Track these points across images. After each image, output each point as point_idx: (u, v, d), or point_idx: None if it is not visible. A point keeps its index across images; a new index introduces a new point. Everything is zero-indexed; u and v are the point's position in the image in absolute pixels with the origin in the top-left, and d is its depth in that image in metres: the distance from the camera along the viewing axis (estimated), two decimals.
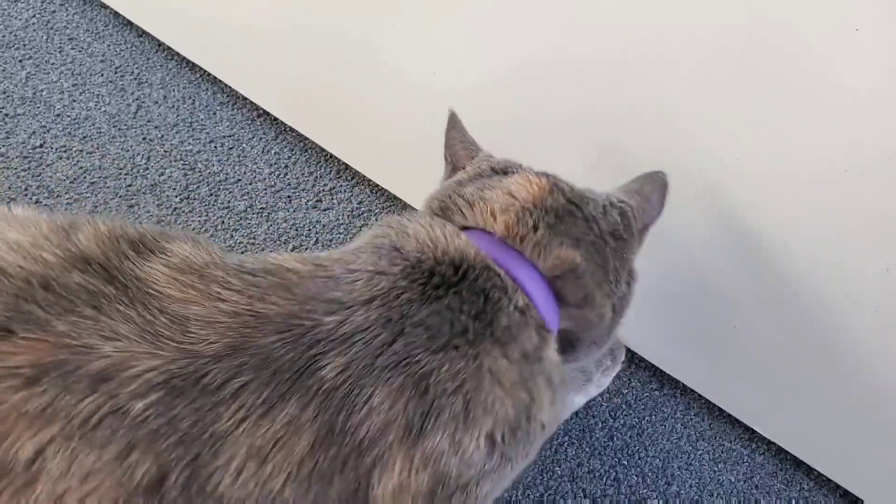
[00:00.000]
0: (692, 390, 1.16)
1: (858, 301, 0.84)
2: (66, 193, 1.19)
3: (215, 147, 1.32)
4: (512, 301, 0.60)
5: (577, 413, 1.14)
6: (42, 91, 1.33)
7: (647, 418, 1.16)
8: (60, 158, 1.24)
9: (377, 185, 1.31)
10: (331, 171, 1.33)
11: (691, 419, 1.17)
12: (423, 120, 0.98)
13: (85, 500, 0.44)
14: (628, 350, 1.19)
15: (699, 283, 0.99)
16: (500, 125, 0.94)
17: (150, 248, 0.55)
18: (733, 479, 1.11)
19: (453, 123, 0.81)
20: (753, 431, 1.14)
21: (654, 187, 0.78)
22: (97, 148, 1.27)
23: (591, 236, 0.68)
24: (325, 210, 1.27)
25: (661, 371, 1.17)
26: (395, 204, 1.30)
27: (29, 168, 1.21)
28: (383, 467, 0.51)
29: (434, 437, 0.52)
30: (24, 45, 1.40)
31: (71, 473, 0.44)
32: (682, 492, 1.09)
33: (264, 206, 1.25)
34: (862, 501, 1.07)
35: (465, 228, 0.66)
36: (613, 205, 0.72)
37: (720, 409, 1.16)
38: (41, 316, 0.47)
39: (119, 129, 1.30)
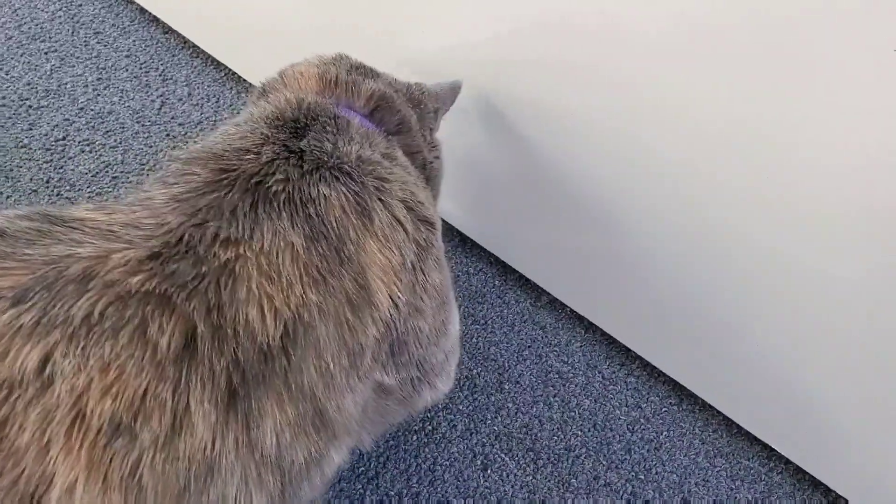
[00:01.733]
0: (711, 406, 1.16)
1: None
2: (87, 187, 1.19)
3: None
4: (352, 122, 0.71)
5: (594, 425, 1.13)
6: (66, 84, 1.33)
7: (664, 433, 1.15)
8: (83, 152, 1.24)
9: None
10: None
11: (709, 435, 1.16)
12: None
13: (110, 388, 0.45)
14: (647, 363, 1.18)
15: (715, 304, 0.99)
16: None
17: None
18: (750, 498, 1.11)
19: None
20: (772, 450, 1.13)
21: (447, 85, 0.92)
22: (120, 143, 1.26)
23: (390, 83, 0.82)
24: None
25: (680, 386, 1.17)
26: None
27: (51, 160, 1.21)
28: (362, 250, 0.60)
29: (379, 218, 0.62)
30: (49, 37, 1.39)
31: (89, 367, 0.45)
32: None
33: None
34: None
35: None
36: (395, 80, 0.85)
37: (738, 426, 1.15)
38: (6, 250, 0.49)
39: (142, 125, 1.30)
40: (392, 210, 0.64)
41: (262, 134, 0.64)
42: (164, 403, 0.46)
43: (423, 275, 0.67)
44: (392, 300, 0.61)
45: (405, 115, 0.80)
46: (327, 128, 0.67)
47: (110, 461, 0.44)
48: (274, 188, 0.59)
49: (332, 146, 0.64)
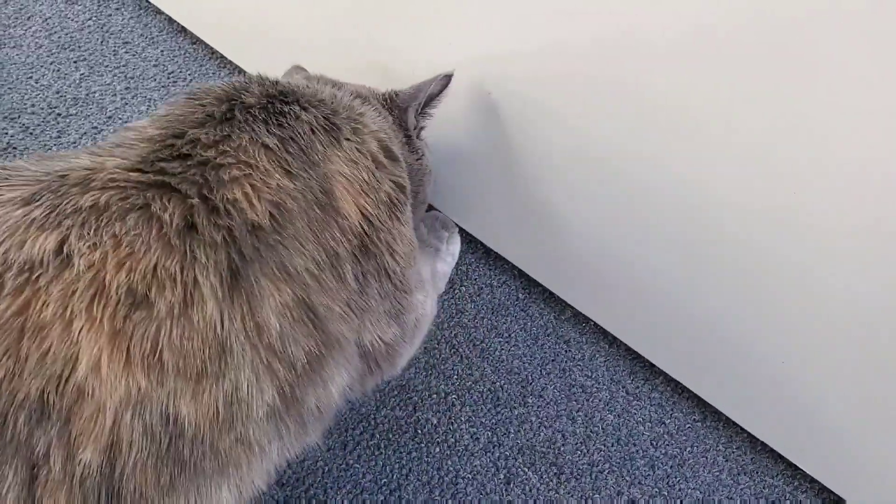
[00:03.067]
0: (735, 423, 1.15)
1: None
2: None
3: None
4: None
5: (617, 440, 1.13)
6: (95, 93, 1.34)
7: (688, 449, 1.15)
8: None
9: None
10: None
11: (733, 452, 1.16)
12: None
13: (126, 261, 0.48)
14: (671, 379, 1.18)
15: (740, 322, 0.98)
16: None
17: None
18: (747, 499, 1.11)
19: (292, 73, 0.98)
20: (796, 468, 1.12)
21: (430, 80, 0.92)
22: None
23: (359, 93, 0.85)
24: None
25: (704, 402, 1.16)
26: None
27: None
28: (328, 160, 0.64)
29: (348, 142, 0.67)
30: (79, 46, 1.41)
31: (103, 243, 0.48)
32: None
33: None
34: None
35: None
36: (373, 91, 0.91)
37: (763, 444, 1.14)
38: (10, 173, 0.53)
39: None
40: (363, 139, 0.69)
41: (213, 86, 0.68)
42: (175, 276, 0.50)
43: (395, 217, 0.71)
44: (361, 213, 0.65)
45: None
46: (309, 79, 0.75)
47: (131, 335, 0.47)
48: (247, 101, 0.64)
49: (289, 89, 0.69)
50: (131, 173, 0.54)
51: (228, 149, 0.58)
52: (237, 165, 0.57)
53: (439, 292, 1.04)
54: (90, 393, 0.46)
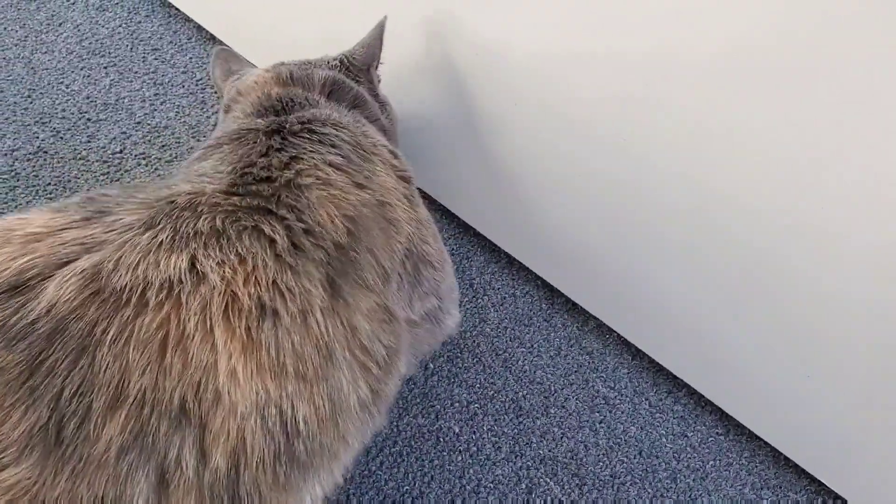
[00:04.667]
0: (758, 437, 1.15)
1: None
2: None
3: None
4: (320, 101, 0.85)
5: (640, 452, 1.13)
6: (124, 98, 1.36)
7: (711, 462, 1.14)
8: (139, 165, 1.26)
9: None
10: None
11: (756, 466, 1.15)
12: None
13: (251, 276, 0.54)
14: (695, 391, 1.18)
15: (767, 337, 0.98)
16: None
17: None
18: (753, 498, 1.10)
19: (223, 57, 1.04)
20: (820, 483, 1.12)
21: (371, 33, 0.99)
22: (175, 157, 1.29)
23: (329, 65, 0.95)
24: None
25: (727, 415, 1.16)
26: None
27: (108, 172, 1.24)
28: (374, 174, 0.70)
29: (376, 155, 0.74)
30: (109, 52, 1.43)
31: (231, 261, 0.54)
32: None
33: None
34: None
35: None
36: (332, 61, 0.97)
37: (786, 458, 1.14)
38: (118, 199, 0.59)
39: (198, 140, 1.32)
40: (381, 153, 0.74)
41: (252, 124, 0.74)
42: (292, 289, 0.54)
43: (417, 206, 0.76)
44: (407, 220, 0.70)
45: (357, 90, 0.91)
46: (304, 105, 0.78)
47: (262, 342, 0.51)
48: (293, 129, 0.69)
49: (319, 113, 0.75)
50: (231, 197, 0.59)
51: (306, 167, 0.64)
52: (317, 184, 0.63)
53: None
54: (226, 398, 0.49)
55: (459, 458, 1.08)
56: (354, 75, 0.96)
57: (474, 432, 1.10)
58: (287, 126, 0.70)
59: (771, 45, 0.71)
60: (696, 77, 0.78)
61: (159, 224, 0.54)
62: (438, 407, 1.12)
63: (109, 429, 0.46)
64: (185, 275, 0.51)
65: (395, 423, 1.09)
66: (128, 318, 0.48)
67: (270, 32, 1.33)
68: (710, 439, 1.17)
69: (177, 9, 1.51)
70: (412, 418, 1.10)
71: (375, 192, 0.67)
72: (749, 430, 1.15)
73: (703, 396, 1.17)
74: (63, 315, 0.47)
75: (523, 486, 1.07)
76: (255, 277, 0.53)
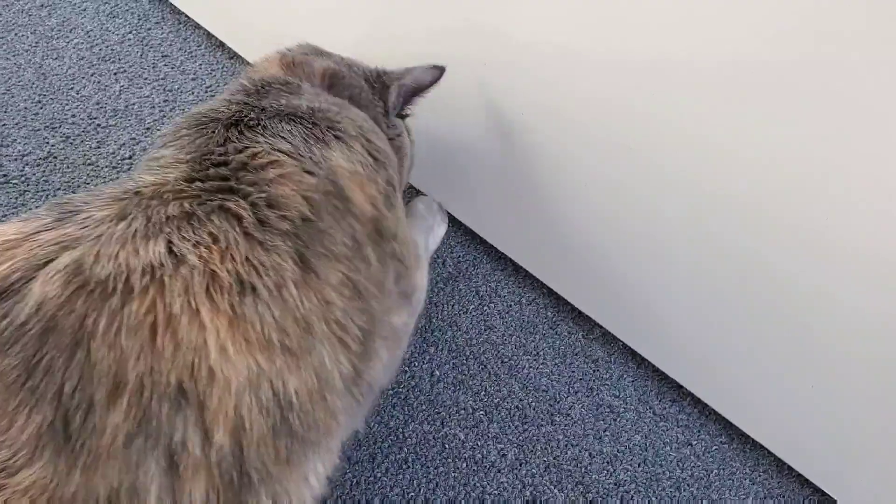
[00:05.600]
0: (762, 446, 1.15)
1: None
2: None
3: None
4: (303, 86, 0.84)
5: (644, 461, 1.13)
6: (134, 104, 1.37)
7: (715, 471, 1.15)
8: None
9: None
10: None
11: (760, 476, 1.16)
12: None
13: (226, 254, 0.56)
14: (699, 400, 1.18)
15: (773, 346, 0.99)
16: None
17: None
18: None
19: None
20: (823, 493, 1.12)
21: (422, 69, 0.98)
22: None
23: (347, 63, 0.94)
24: None
25: (732, 424, 1.16)
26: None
27: (117, 178, 1.25)
28: (328, 158, 0.70)
29: (338, 146, 0.73)
30: (119, 59, 1.44)
31: (205, 241, 0.56)
32: None
33: None
34: None
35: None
36: (364, 66, 0.96)
37: (790, 468, 1.14)
38: (87, 201, 0.59)
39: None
40: (348, 143, 0.74)
41: (226, 100, 0.75)
42: (264, 262, 0.56)
43: (393, 199, 0.77)
44: (369, 202, 0.71)
45: (358, 89, 0.91)
46: (281, 91, 0.78)
47: (246, 318, 0.53)
48: (249, 122, 0.70)
49: (286, 102, 0.75)
50: (194, 182, 0.61)
51: (257, 151, 0.65)
52: (271, 166, 0.64)
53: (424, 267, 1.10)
54: (220, 375, 0.50)
55: (464, 464, 1.08)
56: (378, 89, 0.95)
57: (479, 439, 1.11)
58: (245, 119, 0.71)
59: (793, 57, 0.72)
60: (700, 83, 0.79)
61: (130, 214, 0.55)
62: (444, 413, 1.12)
63: (114, 417, 0.47)
64: (164, 258, 0.52)
65: (400, 430, 1.09)
66: (116, 306, 0.49)
67: (281, 40, 1.34)
68: (715, 448, 1.17)
69: (187, 16, 1.52)
70: (417, 425, 1.11)
71: (327, 175, 0.68)
72: (753, 440, 1.15)
73: (707, 405, 1.17)
74: (52, 312, 0.48)
75: (528, 493, 1.08)
76: (230, 255, 0.54)
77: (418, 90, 0.98)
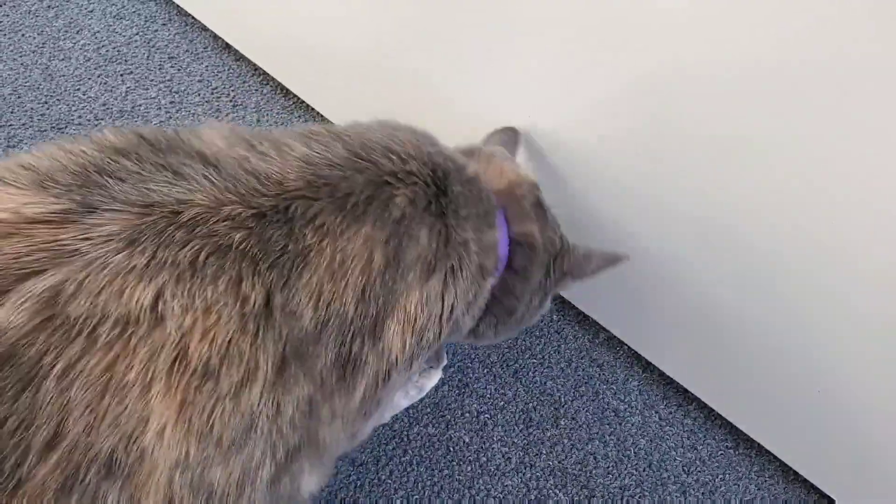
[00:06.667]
0: (768, 451, 1.15)
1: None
2: None
3: None
4: (494, 235, 0.72)
5: (649, 465, 1.13)
6: (140, 106, 1.37)
7: (720, 476, 1.15)
8: None
9: None
10: None
11: (766, 481, 1.15)
12: None
13: (209, 332, 0.49)
14: (704, 405, 1.18)
15: (782, 353, 0.99)
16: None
17: (186, 133, 0.60)
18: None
19: (507, 132, 0.96)
20: (831, 500, 1.12)
21: (604, 257, 0.89)
22: None
23: (548, 234, 0.80)
24: None
25: (737, 429, 1.16)
26: None
27: None
28: (404, 299, 0.61)
29: (433, 282, 0.63)
30: (125, 60, 1.44)
31: (194, 307, 0.48)
32: None
33: None
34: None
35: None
36: (563, 239, 0.84)
37: (795, 472, 1.14)
38: (115, 189, 0.51)
39: (179, 124, 1.33)
40: (448, 293, 0.65)
41: (416, 151, 0.65)
42: (243, 355, 0.50)
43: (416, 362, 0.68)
44: (401, 349, 0.62)
45: (533, 271, 0.79)
46: (468, 204, 0.67)
47: (196, 405, 0.48)
48: (396, 199, 0.60)
49: (456, 220, 0.65)
50: (237, 233, 0.52)
51: (328, 248, 0.56)
52: (321, 272, 0.56)
53: (381, 422, 1.06)
54: (150, 454, 0.47)
55: (469, 468, 1.08)
56: (553, 257, 0.83)
57: (484, 442, 1.11)
58: (399, 188, 0.61)
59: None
60: (701, 86, 0.79)
61: (141, 244, 0.49)
62: (449, 417, 1.12)
63: (44, 468, 0.44)
64: (144, 313, 0.47)
65: (405, 433, 1.09)
66: (76, 354, 0.45)
67: (286, 41, 1.34)
68: (720, 453, 1.17)
69: (193, 18, 1.52)
70: (423, 427, 1.10)
71: (376, 307, 0.60)
72: (759, 445, 1.15)
73: (713, 410, 1.17)
74: (14, 340, 0.44)
75: (532, 496, 1.07)
76: (214, 334, 0.49)
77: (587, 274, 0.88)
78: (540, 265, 0.79)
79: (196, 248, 0.50)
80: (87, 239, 0.48)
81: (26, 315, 0.45)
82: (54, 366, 0.45)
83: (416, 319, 0.62)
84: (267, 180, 0.56)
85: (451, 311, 0.66)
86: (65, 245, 0.47)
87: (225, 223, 0.52)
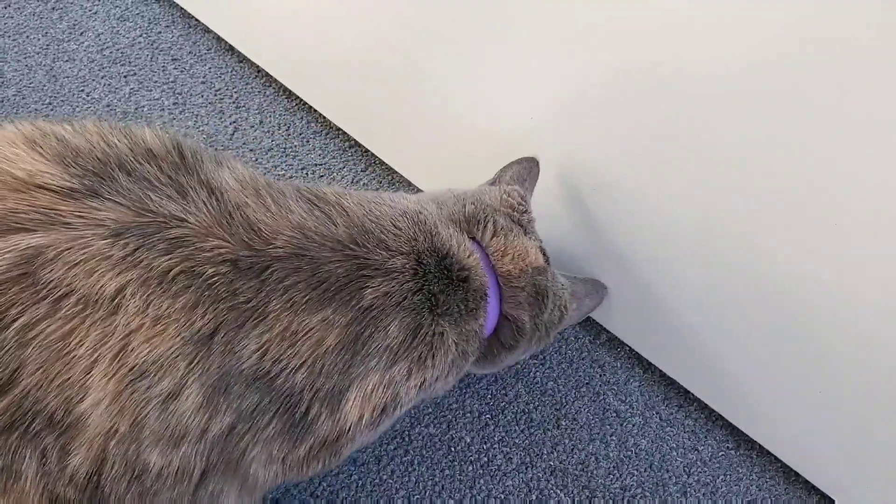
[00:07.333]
0: (769, 452, 1.15)
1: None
2: None
3: (307, 174, 1.35)
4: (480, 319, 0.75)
5: (650, 466, 1.13)
6: (144, 107, 1.38)
7: (721, 477, 1.15)
8: None
9: None
10: None
11: (767, 482, 1.15)
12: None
13: (153, 338, 0.52)
14: (705, 406, 1.18)
15: (784, 357, 0.99)
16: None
17: (210, 160, 0.63)
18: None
19: (525, 163, 0.98)
20: (832, 501, 1.11)
21: (593, 299, 0.99)
22: None
23: (541, 320, 0.83)
24: None
25: (738, 430, 1.16)
26: None
27: None
28: (362, 380, 0.63)
29: (398, 368, 0.66)
30: (129, 62, 1.45)
31: (146, 314, 0.52)
32: None
33: None
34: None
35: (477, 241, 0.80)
36: (563, 310, 0.89)
37: (796, 473, 1.14)
38: (125, 186, 0.55)
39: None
40: (415, 376, 0.68)
41: (408, 245, 0.69)
42: (176, 372, 0.53)
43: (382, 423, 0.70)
44: (360, 421, 0.65)
45: (518, 346, 0.84)
46: (448, 301, 0.70)
47: (130, 395, 0.52)
48: (367, 291, 0.63)
49: (431, 315, 0.68)
50: (211, 268, 0.55)
51: (287, 316, 0.59)
52: (276, 330, 0.58)
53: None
54: (85, 419, 0.51)
55: (470, 468, 1.08)
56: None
57: (485, 442, 1.11)
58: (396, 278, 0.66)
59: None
60: (701, 86, 0.79)
61: (126, 239, 0.52)
62: (450, 417, 1.12)
63: None
64: (104, 299, 0.51)
65: (406, 433, 1.09)
66: (38, 316, 0.49)
67: (288, 43, 1.35)
68: (721, 454, 1.17)
69: (196, 19, 1.53)
70: (423, 427, 1.11)
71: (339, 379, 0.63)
72: (760, 445, 1.15)
73: (713, 411, 1.17)
74: None
75: (533, 497, 1.07)
76: (155, 343, 0.52)
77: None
78: (527, 342, 0.84)
79: (172, 262, 0.53)
80: (81, 217, 0.52)
81: (5, 265, 0.48)
82: (17, 319, 0.48)
83: (375, 399, 0.65)
84: (257, 234, 0.59)
85: (421, 386, 0.70)
86: (60, 215, 0.51)
87: (205, 254, 0.55)
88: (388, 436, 1.09)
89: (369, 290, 0.63)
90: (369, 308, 0.63)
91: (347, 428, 0.65)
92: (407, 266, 0.67)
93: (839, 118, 0.71)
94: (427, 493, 1.05)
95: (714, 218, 0.90)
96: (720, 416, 1.17)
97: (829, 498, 1.11)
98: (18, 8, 1.49)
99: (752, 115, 0.77)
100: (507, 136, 1.07)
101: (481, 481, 1.08)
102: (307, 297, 0.59)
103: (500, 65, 0.98)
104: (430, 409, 1.12)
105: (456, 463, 1.08)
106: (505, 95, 1.02)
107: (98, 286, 0.51)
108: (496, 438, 1.12)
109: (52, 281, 0.50)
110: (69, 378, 0.50)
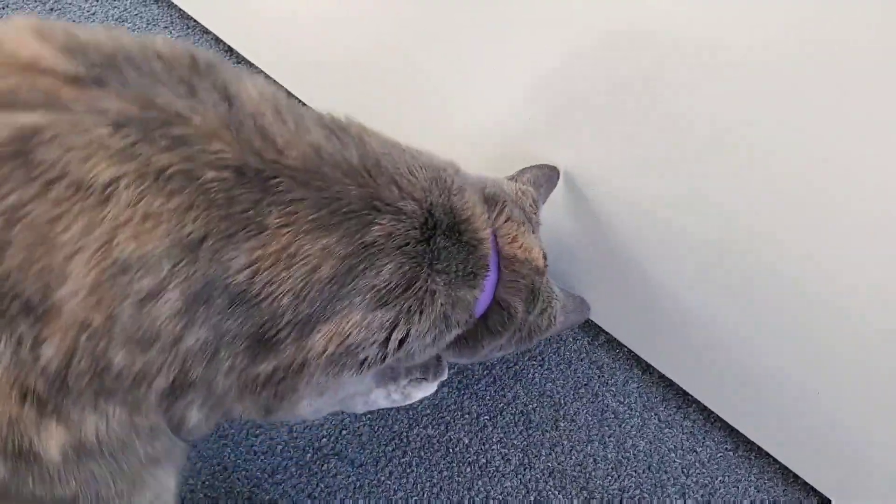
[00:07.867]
0: (767, 454, 1.15)
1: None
2: None
3: None
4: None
5: (649, 467, 1.13)
6: None
7: (720, 478, 1.15)
8: None
9: None
10: None
11: (765, 483, 1.15)
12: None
13: (140, 235, 0.50)
14: (704, 407, 1.18)
15: (782, 358, 0.99)
16: None
17: (229, 71, 0.60)
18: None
19: (546, 170, 0.98)
20: (829, 501, 1.11)
21: (577, 315, 0.99)
22: None
23: (532, 317, 0.84)
24: None
25: (737, 431, 1.16)
26: None
27: None
28: (342, 316, 0.61)
29: (383, 313, 0.63)
30: None
31: (136, 209, 0.50)
32: None
33: None
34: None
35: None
36: (552, 320, 0.88)
37: (794, 474, 1.14)
38: (133, 79, 0.53)
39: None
40: (398, 330, 0.66)
41: (422, 193, 0.66)
42: (159, 273, 0.52)
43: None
44: (322, 353, 0.63)
45: (504, 333, 0.82)
46: (449, 260, 0.68)
47: (109, 289, 0.51)
48: (374, 227, 0.61)
49: (428, 270, 0.66)
50: (210, 172, 0.53)
51: (281, 226, 0.56)
52: (268, 244, 0.56)
53: (349, 410, 1.04)
54: (61, 308, 0.51)
55: (468, 469, 1.08)
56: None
57: (483, 444, 1.11)
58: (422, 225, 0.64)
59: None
60: (702, 87, 0.80)
61: (126, 130, 0.50)
62: (448, 418, 1.12)
63: None
64: (97, 188, 0.49)
65: (404, 434, 1.09)
66: (28, 196, 0.48)
67: (287, 43, 1.35)
68: (720, 455, 1.17)
69: (195, 21, 1.53)
70: (422, 429, 1.11)
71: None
72: (758, 447, 1.15)
73: (712, 412, 1.17)
74: None
75: (532, 498, 1.08)
76: (142, 239, 0.51)
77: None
78: (512, 332, 0.82)
79: (171, 160, 0.51)
80: (82, 102, 0.50)
81: (1, 139, 0.48)
82: (7, 197, 0.47)
83: (347, 336, 0.63)
84: (269, 143, 0.56)
85: (401, 345, 0.67)
86: (62, 99, 0.50)
87: (208, 156, 0.53)
88: (385, 437, 1.09)
89: (377, 226, 0.60)
90: (371, 244, 0.60)
91: (310, 359, 0.62)
92: (417, 213, 0.64)
93: (839, 118, 0.71)
94: (425, 495, 1.05)
95: (713, 219, 0.90)
96: (718, 417, 1.17)
97: (828, 499, 1.11)
98: (17, 9, 1.49)
99: (751, 115, 0.77)
100: (506, 137, 1.07)
101: (479, 483, 1.08)
102: (312, 217, 0.56)
103: (499, 65, 0.98)
104: (428, 411, 1.12)
105: (454, 464, 1.08)
106: (504, 96, 1.02)
107: (91, 174, 0.49)
108: (494, 439, 1.12)
109: (45, 162, 0.48)
110: (50, 263, 0.49)
